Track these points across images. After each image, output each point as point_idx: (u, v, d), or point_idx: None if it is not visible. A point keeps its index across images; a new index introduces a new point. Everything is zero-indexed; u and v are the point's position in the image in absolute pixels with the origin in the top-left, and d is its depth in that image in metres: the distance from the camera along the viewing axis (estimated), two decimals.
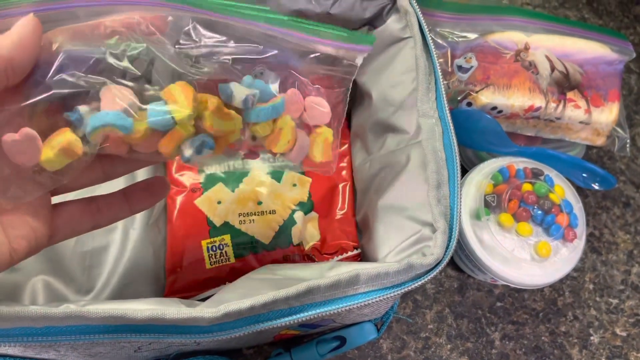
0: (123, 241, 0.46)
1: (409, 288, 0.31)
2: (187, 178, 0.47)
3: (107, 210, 0.32)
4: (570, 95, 0.50)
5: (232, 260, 0.45)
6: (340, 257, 0.45)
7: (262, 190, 0.46)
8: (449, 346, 0.50)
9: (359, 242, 0.46)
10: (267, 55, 0.29)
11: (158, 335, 0.30)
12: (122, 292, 0.45)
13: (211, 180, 0.47)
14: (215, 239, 0.45)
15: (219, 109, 0.27)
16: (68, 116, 0.25)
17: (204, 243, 0.45)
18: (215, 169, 0.47)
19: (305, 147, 0.30)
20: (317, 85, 0.30)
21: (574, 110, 0.49)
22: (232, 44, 0.28)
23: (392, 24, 0.38)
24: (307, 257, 0.46)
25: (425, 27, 0.36)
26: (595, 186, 0.53)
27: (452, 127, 0.34)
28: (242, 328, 0.30)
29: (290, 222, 0.46)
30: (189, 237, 0.45)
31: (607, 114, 0.50)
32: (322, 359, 0.44)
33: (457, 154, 0.34)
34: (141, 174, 0.47)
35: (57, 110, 0.25)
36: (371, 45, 0.30)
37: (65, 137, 0.25)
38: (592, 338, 0.52)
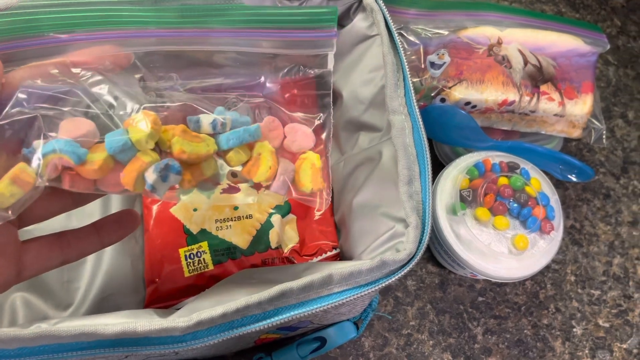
0: (99, 254, 0.45)
1: (384, 285, 0.31)
2: None
3: (77, 244, 0.32)
4: (543, 88, 0.50)
5: (211, 267, 0.44)
6: (319, 257, 0.45)
7: (237, 195, 0.46)
8: (431, 342, 0.50)
9: (338, 242, 0.46)
10: (237, 80, 0.28)
11: (132, 348, 0.29)
12: (101, 305, 0.44)
13: None
14: (192, 246, 0.44)
15: (186, 132, 0.25)
16: (24, 152, 0.24)
17: (181, 251, 0.44)
18: None
19: (289, 173, 0.28)
20: (297, 113, 0.29)
21: (548, 103, 0.50)
22: (199, 72, 0.28)
23: (359, 22, 0.38)
24: (287, 260, 0.45)
25: (392, 24, 0.36)
26: (573, 178, 0.53)
27: (421, 123, 0.34)
28: (216, 335, 0.30)
29: (267, 225, 0.45)
30: (166, 246, 0.44)
31: (581, 106, 0.50)
32: None
33: (427, 149, 0.33)
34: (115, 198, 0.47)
35: (18, 150, 0.25)
36: (334, 23, 0.29)
37: (17, 167, 0.24)
38: (574, 330, 0.52)
